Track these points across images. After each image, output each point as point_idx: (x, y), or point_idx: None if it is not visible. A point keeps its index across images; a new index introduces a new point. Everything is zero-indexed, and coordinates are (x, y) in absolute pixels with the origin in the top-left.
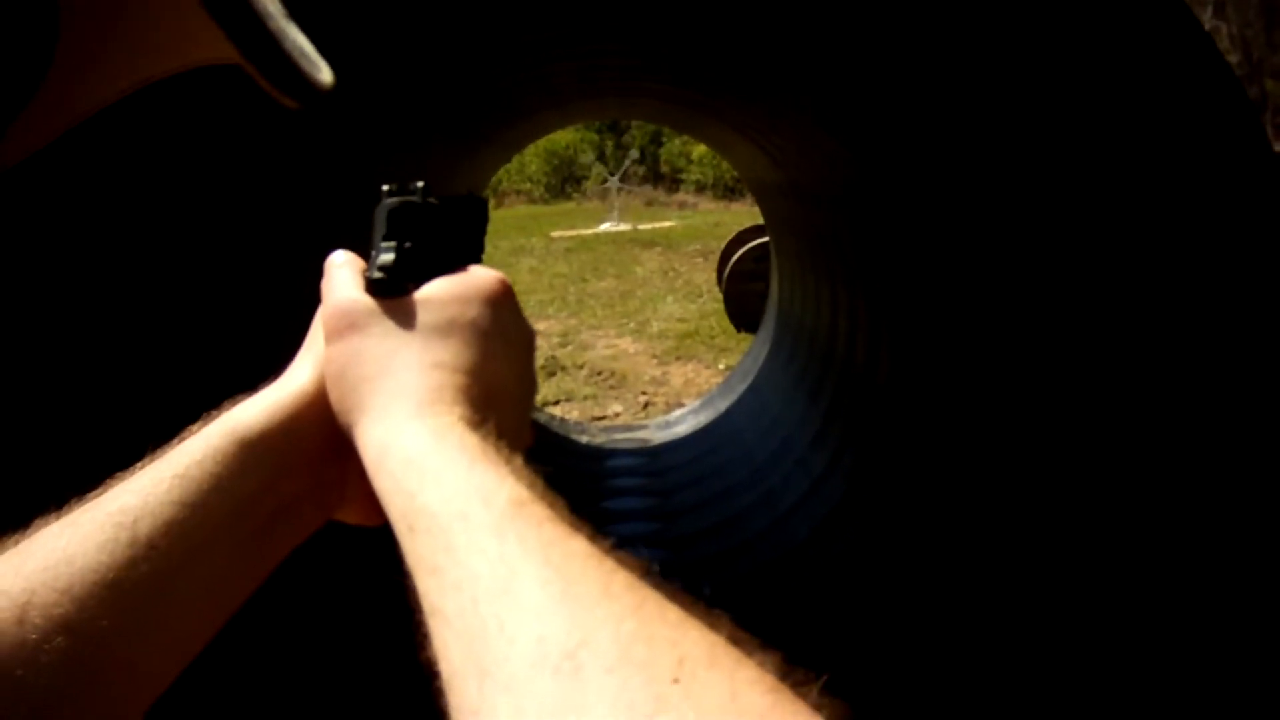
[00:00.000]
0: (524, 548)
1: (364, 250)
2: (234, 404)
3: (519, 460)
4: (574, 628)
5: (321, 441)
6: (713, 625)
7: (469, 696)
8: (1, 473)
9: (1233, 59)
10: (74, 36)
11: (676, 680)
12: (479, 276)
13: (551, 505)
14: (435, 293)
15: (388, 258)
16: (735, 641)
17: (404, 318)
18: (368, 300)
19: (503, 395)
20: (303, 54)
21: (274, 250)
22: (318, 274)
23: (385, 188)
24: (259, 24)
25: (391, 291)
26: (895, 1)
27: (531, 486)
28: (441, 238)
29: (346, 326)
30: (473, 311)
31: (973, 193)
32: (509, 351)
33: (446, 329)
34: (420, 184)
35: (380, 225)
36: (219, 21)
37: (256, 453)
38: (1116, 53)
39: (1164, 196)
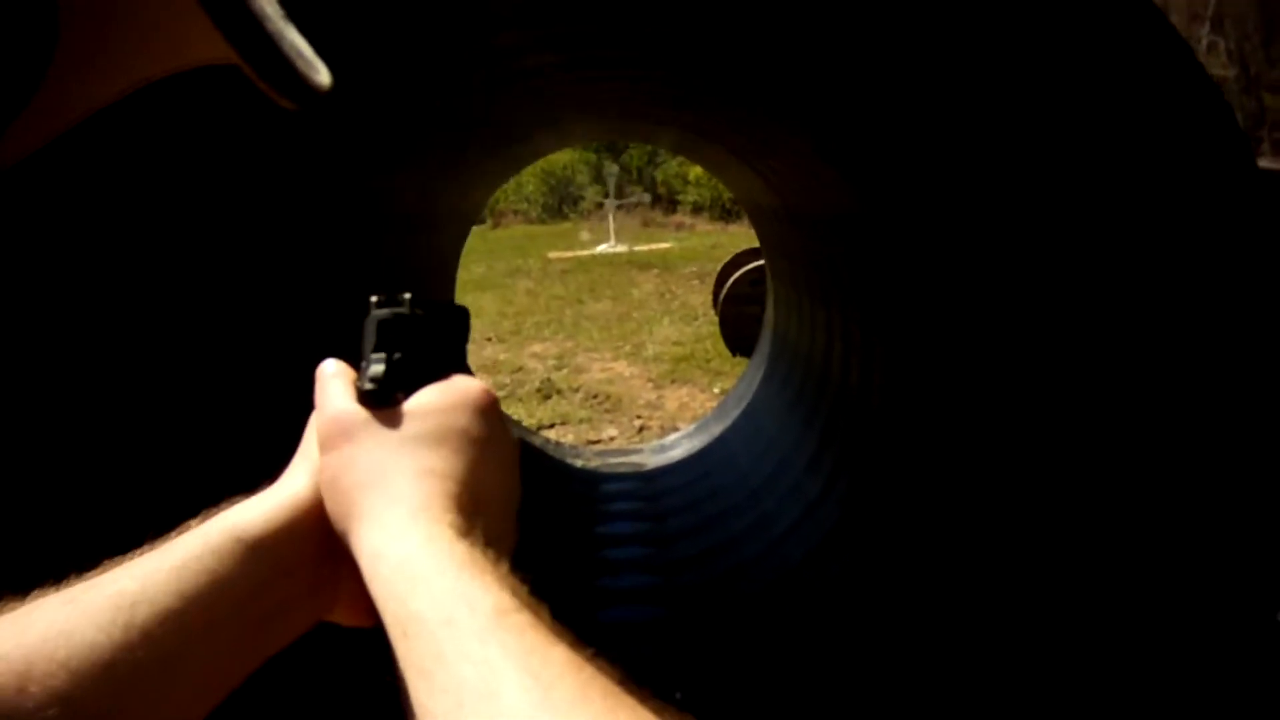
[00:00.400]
0: (505, 653)
1: (355, 349)
2: (231, 504)
3: (505, 566)
4: None
5: (317, 545)
6: None
7: None
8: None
9: (1230, 73)
10: (73, 36)
11: None
12: (466, 386)
13: (535, 612)
14: (424, 403)
15: (378, 369)
16: None
17: (395, 427)
18: (360, 411)
19: (490, 501)
20: (300, 55)
21: (279, 278)
22: (320, 307)
23: (374, 299)
24: (257, 25)
25: (382, 402)
26: (892, 31)
27: (515, 593)
28: (428, 348)
29: (340, 435)
30: (461, 420)
31: (967, 217)
32: (495, 459)
33: (436, 438)
34: (408, 295)
35: (370, 336)
36: (217, 23)
37: (254, 553)
38: (1106, 79)
39: (1156, 218)
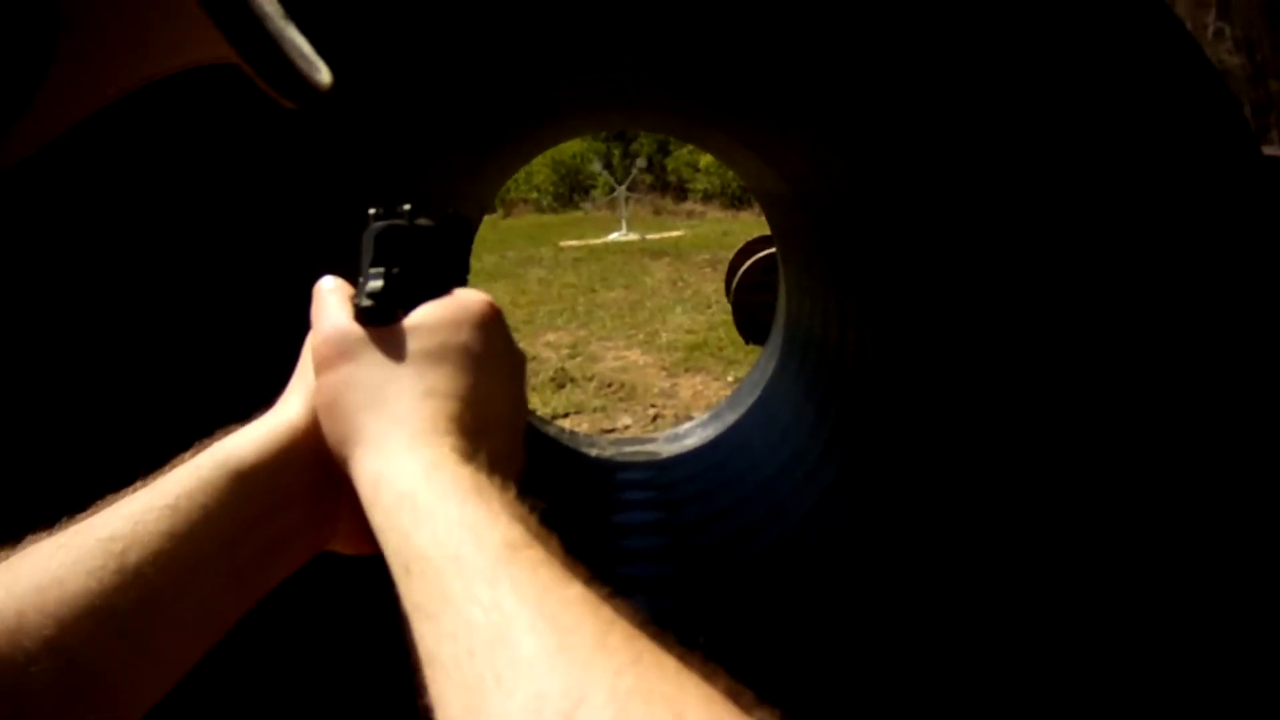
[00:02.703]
0: (518, 595)
1: (354, 274)
2: (225, 433)
3: (512, 492)
4: (571, 685)
5: (313, 475)
6: (709, 677)
7: None
8: None
9: (1237, 61)
10: (74, 35)
11: None
12: (468, 300)
13: (546, 545)
14: (425, 319)
15: (377, 284)
16: (733, 695)
17: (395, 346)
18: (358, 329)
19: (495, 420)
20: (301, 55)
21: (286, 266)
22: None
23: (371, 211)
24: (258, 25)
25: (381, 319)
26: (898, 17)
27: (525, 523)
28: (429, 261)
29: (337, 356)
30: (463, 336)
31: (978, 204)
32: (500, 376)
33: (438, 356)
34: (407, 206)
35: (368, 250)
36: (218, 23)
37: (247, 486)
38: (1109, 66)
39: (1159, 204)
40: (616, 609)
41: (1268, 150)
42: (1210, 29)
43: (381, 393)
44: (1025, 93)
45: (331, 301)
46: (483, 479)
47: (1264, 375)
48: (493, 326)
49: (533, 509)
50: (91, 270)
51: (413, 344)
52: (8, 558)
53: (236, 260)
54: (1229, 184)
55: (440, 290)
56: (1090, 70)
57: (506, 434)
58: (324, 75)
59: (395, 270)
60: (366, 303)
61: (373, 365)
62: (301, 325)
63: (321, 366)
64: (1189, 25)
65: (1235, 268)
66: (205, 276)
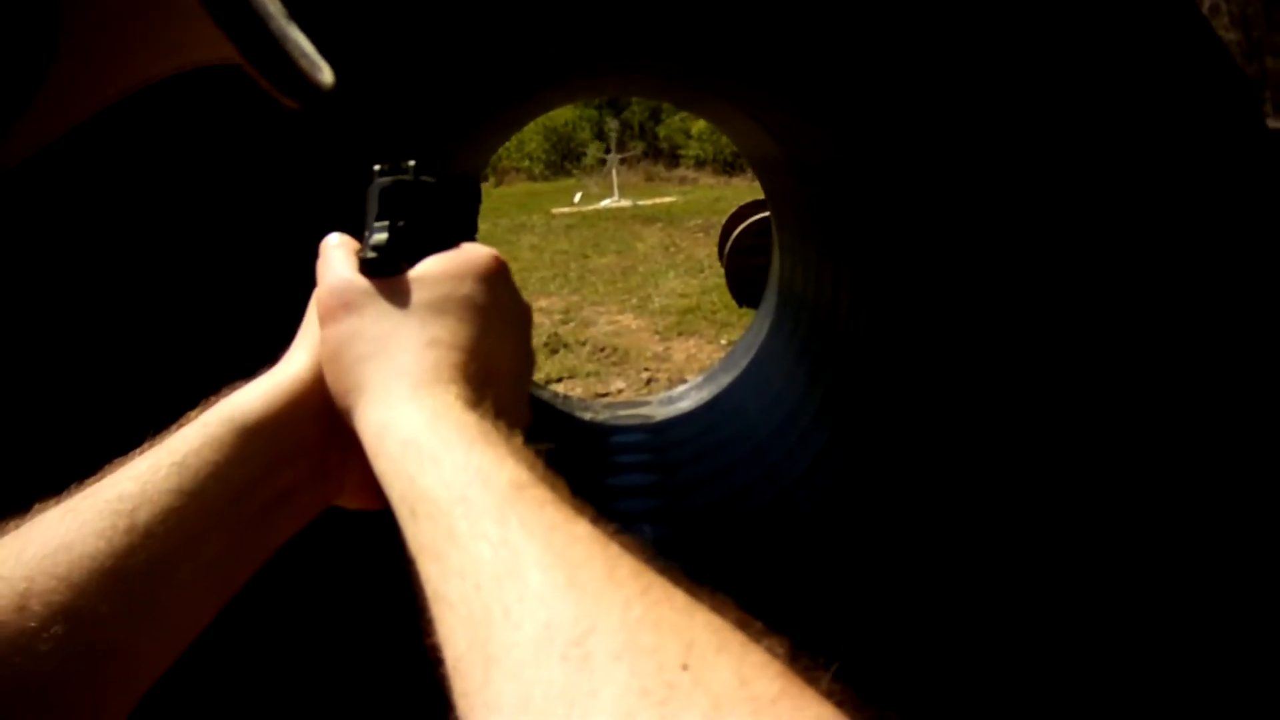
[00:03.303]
0: (526, 532)
1: (360, 232)
2: (232, 390)
3: (518, 439)
4: (581, 614)
5: (320, 429)
6: (718, 609)
7: (474, 682)
8: (3, 456)
9: (1233, 37)
10: (75, 36)
11: (686, 666)
12: (473, 253)
13: (553, 487)
14: (429, 270)
15: (381, 237)
16: (742, 625)
17: (399, 297)
18: (362, 280)
19: (500, 371)
20: (304, 55)
21: (274, 231)
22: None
23: (377, 167)
24: (261, 26)
25: (386, 271)
26: None
27: (531, 467)
28: (434, 216)
29: (341, 307)
30: (467, 288)
31: (971, 171)
32: (505, 328)
33: (442, 306)
34: (412, 163)
35: (373, 205)
36: (221, 24)
37: (254, 441)
38: (1109, 35)
39: (1155, 171)
40: (624, 545)
41: (1272, 124)
42: (1206, 4)
43: (385, 343)
44: (1022, 60)
45: (337, 256)
46: (488, 425)
47: (1269, 350)
48: (497, 279)
49: (538, 454)
50: (101, 237)
51: (416, 295)
52: (17, 527)
53: (240, 222)
54: (1233, 156)
55: (446, 245)
56: (1089, 39)
57: (511, 385)
58: (326, 75)
59: (400, 224)
60: (371, 255)
61: (376, 316)
62: (305, 291)
63: (326, 318)
64: None
65: (1239, 240)
66: (214, 241)
